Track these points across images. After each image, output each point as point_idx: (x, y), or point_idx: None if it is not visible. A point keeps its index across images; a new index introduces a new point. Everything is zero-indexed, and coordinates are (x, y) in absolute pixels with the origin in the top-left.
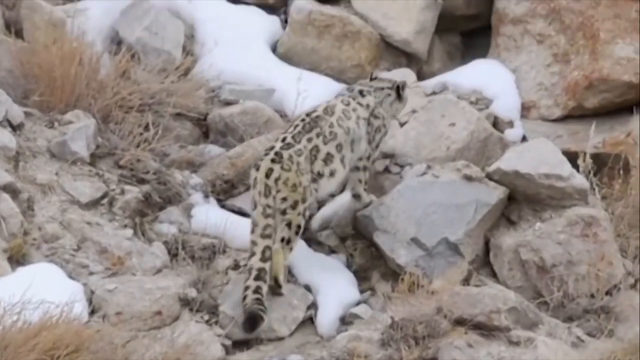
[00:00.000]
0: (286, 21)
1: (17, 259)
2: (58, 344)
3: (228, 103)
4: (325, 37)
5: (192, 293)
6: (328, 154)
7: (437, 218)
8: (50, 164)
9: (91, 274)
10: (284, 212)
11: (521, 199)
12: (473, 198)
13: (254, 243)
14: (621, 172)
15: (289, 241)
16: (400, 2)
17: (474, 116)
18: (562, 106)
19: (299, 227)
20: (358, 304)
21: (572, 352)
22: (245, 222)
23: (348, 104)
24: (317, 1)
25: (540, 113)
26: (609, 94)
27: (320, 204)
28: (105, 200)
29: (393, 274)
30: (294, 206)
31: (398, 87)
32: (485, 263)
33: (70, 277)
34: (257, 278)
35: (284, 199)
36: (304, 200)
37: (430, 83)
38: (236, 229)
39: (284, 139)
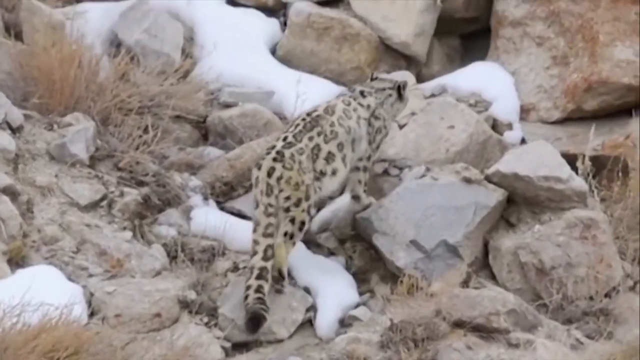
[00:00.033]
0: (285, 23)
1: (16, 261)
2: (57, 346)
3: (227, 105)
4: (325, 39)
5: (192, 295)
6: (329, 152)
7: (436, 220)
8: (49, 166)
9: (90, 276)
10: (287, 210)
11: (520, 202)
12: (472, 200)
13: (255, 242)
14: (620, 174)
15: (292, 236)
16: (399, 5)
17: (473, 118)
18: (561, 109)
19: (302, 223)
20: (357, 306)
21: (571, 355)
22: (245, 225)
23: (349, 104)
24: (316, 3)
25: (540, 115)
26: (608, 96)
27: (320, 206)
28: (104, 203)
29: (392, 276)
30: (297, 204)
31: (399, 87)
32: (484, 265)
33: (70, 279)
34: (258, 277)
35: (288, 198)
36: (307, 198)
37: (430, 85)
38: (235, 231)
39: (285, 138)
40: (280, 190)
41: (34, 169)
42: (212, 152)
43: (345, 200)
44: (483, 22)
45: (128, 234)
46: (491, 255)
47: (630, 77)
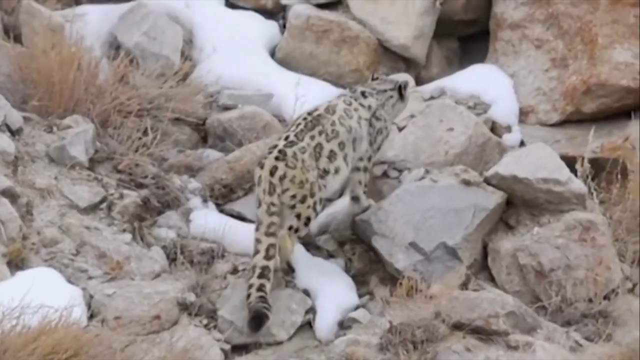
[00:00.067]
0: (284, 26)
1: (16, 264)
2: (57, 349)
3: (226, 108)
4: (324, 42)
5: (191, 297)
6: (331, 151)
7: (435, 222)
8: (49, 168)
9: (90, 278)
10: (293, 207)
11: (519, 204)
12: (471, 203)
13: (258, 241)
14: (619, 176)
15: (297, 230)
16: (398, 7)
17: (472, 121)
18: (560, 111)
19: (308, 219)
20: (356, 308)
21: (570, 357)
22: (244, 227)
23: (350, 104)
24: (315, 6)
25: (539, 118)
26: (607, 98)
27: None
28: (104, 205)
29: (391, 278)
30: (302, 200)
31: (400, 87)
32: (483, 267)
33: (69, 281)
34: (260, 276)
35: (293, 196)
36: (312, 195)
37: (429, 88)
38: (235, 234)
39: (286, 137)
40: (285, 189)
41: (34, 171)
42: (211, 154)
43: (344, 202)
44: (482, 25)
45: (127, 236)
46: (490, 257)
47: (629, 80)
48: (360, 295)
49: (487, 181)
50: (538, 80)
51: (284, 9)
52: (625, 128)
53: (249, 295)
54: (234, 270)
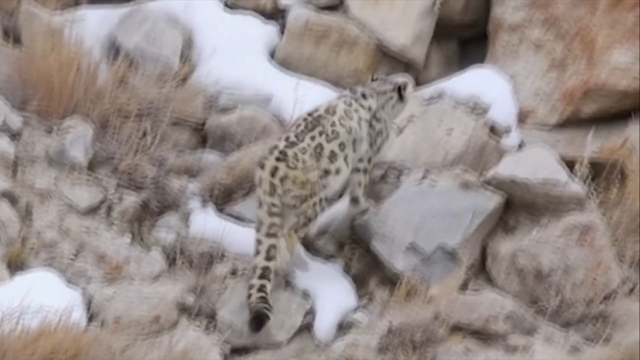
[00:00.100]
0: (283, 28)
1: (15, 266)
2: (57, 350)
3: (226, 110)
4: (323, 44)
5: (191, 299)
6: (332, 151)
7: (434, 224)
8: (48, 170)
9: (89, 280)
10: (294, 207)
11: (518, 206)
12: (470, 205)
13: (258, 241)
14: (618, 178)
15: (297, 230)
16: (397, 10)
17: (471, 123)
18: (559, 113)
19: (309, 219)
20: (356, 310)
21: (569, 358)
22: (243, 229)
23: (350, 105)
24: (314, 9)
25: (538, 120)
26: (606, 101)
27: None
28: (103, 207)
29: (391, 280)
30: (304, 200)
31: (399, 87)
32: (482, 269)
33: (69, 283)
34: (261, 276)
35: (295, 197)
36: (313, 195)
37: (428, 90)
38: (234, 235)
39: (287, 138)
40: (287, 190)
41: (33, 173)
42: (210, 156)
43: (343, 204)
44: (481, 27)
45: (127, 238)
46: (489, 259)
47: (629, 82)
48: (359, 297)
49: (486, 183)
50: (537, 81)
51: (283, 11)
52: (624, 130)
53: (249, 296)
54: (234, 272)
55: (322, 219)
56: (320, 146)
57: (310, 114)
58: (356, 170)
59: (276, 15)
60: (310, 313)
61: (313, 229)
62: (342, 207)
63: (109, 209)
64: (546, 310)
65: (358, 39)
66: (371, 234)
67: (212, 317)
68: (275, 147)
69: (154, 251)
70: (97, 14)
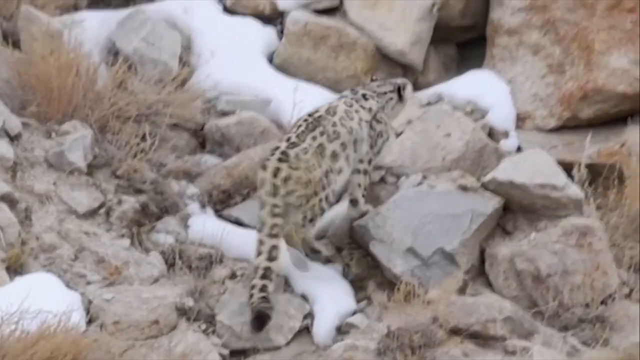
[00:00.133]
0: (282, 32)
1: (14, 269)
2: (56, 353)
3: (224, 113)
4: (321, 47)
5: (189, 302)
6: (333, 152)
7: (433, 228)
8: (47, 174)
9: (89, 283)
10: (300, 206)
11: (516, 209)
12: (469, 208)
13: (260, 242)
14: (616, 182)
15: (303, 225)
16: (396, 13)
17: (470, 127)
18: (557, 117)
19: (315, 215)
20: (354, 313)
21: None
22: (242, 232)
23: (350, 106)
24: (313, 12)
25: (535, 123)
26: (604, 104)
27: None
28: (102, 210)
29: (389, 283)
30: (309, 199)
31: (399, 88)
32: (480, 273)
33: (68, 286)
34: (263, 277)
35: (300, 196)
36: (318, 193)
37: (426, 94)
38: (233, 239)
39: (288, 139)
40: (291, 191)
41: (32, 176)
42: (209, 160)
43: (342, 207)
44: (479, 31)
45: (126, 242)
46: (487, 262)
47: (626, 86)
48: (358, 301)
49: (485, 186)
50: (535, 86)
51: (281, 14)
52: (621, 134)
53: (251, 296)
54: (232, 276)
55: (321, 222)
56: (321, 146)
57: (310, 115)
58: (356, 171)
59: (275, 18)
60: (309, 316)
61: (312, 232)
62: (340, 210)
63: (108, 212)
64: (544, 313)
65: (356, 43)
66: (370, 237)
67: (211, 320)
68: (277, 148)
69: (153, 254)
70: (96, 17)
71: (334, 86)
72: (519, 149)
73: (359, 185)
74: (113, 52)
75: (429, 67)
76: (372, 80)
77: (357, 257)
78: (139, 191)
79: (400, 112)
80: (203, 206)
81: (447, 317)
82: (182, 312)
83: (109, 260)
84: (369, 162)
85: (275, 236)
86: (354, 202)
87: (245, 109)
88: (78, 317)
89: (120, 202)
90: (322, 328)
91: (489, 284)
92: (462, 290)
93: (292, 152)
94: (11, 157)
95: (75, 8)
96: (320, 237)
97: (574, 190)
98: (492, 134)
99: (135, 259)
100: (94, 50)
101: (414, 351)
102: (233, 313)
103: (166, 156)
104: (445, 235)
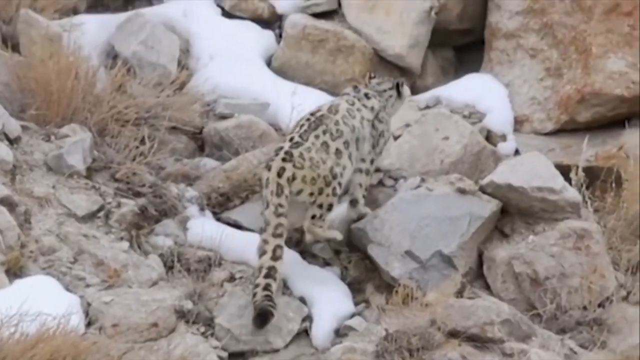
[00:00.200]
0: (280, 36)
1: (14, 272)
2: (55, 356)
3: (223, 117)
4: (320, 51)
5: (188, 305)
6: (337, 149)
7: (431, 231)
8: (46, 177)
9: (88, 286)
10: (313, 202)
11: (514, 212)
12: (466, 211)
13: (265, 242)
14: (613, 185)
15: (320, 216)
16: (394, 17)
17: (467, 130)
18: (555, 120)
19: (330, 205)
20: (352, 316)
21: None
22: (241, 235)
23: (353, 104)
24: (311, 16)
25: (533, 127)
26: (601, 107)
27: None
28: (101, 213)
29: (387, 286)
30: (320, 192)
31: (398, 84)
32: (478, 275)
33: (67, 289)
34: (267, 276)
35: (311, 194)
36: (328, 184)
37: (424, 97)
38: (231, 242)
39: (291, 139)
40: (300, 190)
41: (32, 179)
42: (208, 163)
43: (340, 210)
44: (477, 34)
45: (125, 245)
46: (485, 265)
47: (623, 89)
48: (356, 303)
49: (483, 190)
50: (533, 89)
51: (280, 18)
52: (619, 137)
53: (255, 294)
54: (231, 278)
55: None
56: (325, 144)
57: (312, 114)
58: (358, 170)
59: (273, 22)
60: (308, 318)
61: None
62: (338, 213)
63: (107, 215)
64: (542, 316)
65: (355, 46)
66: (368, 240)
67: (209, 322)
68: (281, 148)
69: (152, 257)
70: (96, 20)
71: (332, 89)
72: (516, 152)
73: (360, 185)
74: (112, 56)
75: (426, 70)
76: (370, 77)
77: (355, 260)
78: (138, 194)
79: (399, 109)
80: (202, 209)
81: (445, 319)
82: (181, 314)
83: (108, 263)
84: (371, 162)
85: (279, 236)
86: (353, 203)
87: (244, 113)
88: (77, 320)
89: (119, 205)
90: (321, 331)
91: (487, 287)
92: (460, 293)
93: (295, 152)
94: (10, 161)
95: (75, 11)
96: (318, 240)
97: (572, 194)
98: (489, 137)
99: (134, 262)
100: (93, 54)
101: (412, 354)
102: (232, 316)
103: (165, 159)
104: (443, 238)
